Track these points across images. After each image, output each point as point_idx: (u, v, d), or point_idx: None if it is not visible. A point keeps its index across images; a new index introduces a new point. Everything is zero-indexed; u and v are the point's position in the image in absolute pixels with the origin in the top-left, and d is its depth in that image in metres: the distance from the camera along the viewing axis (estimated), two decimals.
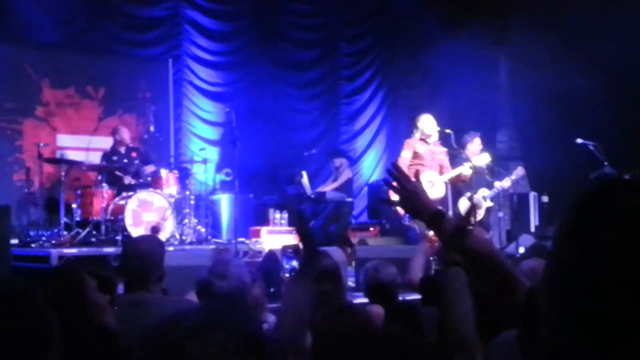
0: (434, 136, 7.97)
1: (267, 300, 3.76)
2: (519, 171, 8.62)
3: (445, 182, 7.98)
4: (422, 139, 7.96)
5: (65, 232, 8.06)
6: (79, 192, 8.44)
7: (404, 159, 7.94)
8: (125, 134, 8.99)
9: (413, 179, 2.18)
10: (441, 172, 8.00)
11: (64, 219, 8.11)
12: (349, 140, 12.41)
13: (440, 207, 6.90)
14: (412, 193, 2.15)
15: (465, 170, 7.86)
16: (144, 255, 3.24)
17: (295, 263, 3.27)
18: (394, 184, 2.18)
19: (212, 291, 2.71)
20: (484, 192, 8.46)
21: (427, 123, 7.93)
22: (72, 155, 9.29)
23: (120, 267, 3.23)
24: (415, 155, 7.90)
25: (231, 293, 2.71)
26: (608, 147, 9.00)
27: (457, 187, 8.59)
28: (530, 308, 2.28)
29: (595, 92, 10.48)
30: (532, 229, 9.96)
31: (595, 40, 10.21)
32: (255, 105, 11.12)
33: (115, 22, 10.40)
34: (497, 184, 8.55)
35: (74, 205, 8.33)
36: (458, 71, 11.42)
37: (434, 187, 7.76)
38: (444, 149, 8.05)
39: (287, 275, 3.24)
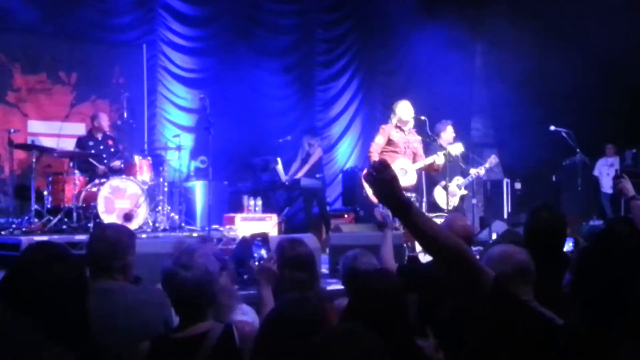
0: (410, 123, 7.95)
1: (237, 289, 3.73)
2: (493, 159, 8.67)
3: (418, 170, 8.01)
4: (397, 126, 7.95)
5: (36, 220, 7.94)
6: (50, 178, 8.32)
7: (377, 145, 7.94)
8: (104, 121, 8.86)
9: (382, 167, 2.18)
10: (414, 160, 8.01)
11: (34, 206, 8.00)
12: (324, 127, 12.39)
13: (413, 195, 6.92)
14: (384, 180, 2.16)
15: (438, 159, 7.88)
16: (110, 243, 3.20)
17: (263, 252, 3.24)
18: (368, 170, 2.19)
19: (176, 282, 2.68)
20: (458, 180, 8.50)
21: (404, 110, 7.91)
22: (43, 142, 9.16)
23: (86, 255, 3.18)
24: (390, 142, 7.90)
25: (196, 283, 2.69)
26: (581, 134, 9.09)
27: (432, 175, 8.62)
28: (495, 297, 2.31)
29: (570, 79, 10.57)
30: (505, 216, 10.06)
31: (571, 26, 10.29)
32: (230, 92, 11.04)
33: (88, 5, 10.22)
34: (472, 172, 8.60)
35: (45, 192, 8.22)
36: (434, 59, 11.45)
37: (407, 174, 7.78)
38: (419, 137, 8.04)
39: (256, 263, 3.21)
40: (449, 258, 2.23)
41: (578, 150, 9.19)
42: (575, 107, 10.48)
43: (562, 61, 10.31)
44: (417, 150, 8.02)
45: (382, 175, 2.16)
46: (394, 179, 2.16)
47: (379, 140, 7.94)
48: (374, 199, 7.81)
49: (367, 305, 2.63)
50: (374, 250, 4.52)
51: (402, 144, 7.91)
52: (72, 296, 2.21)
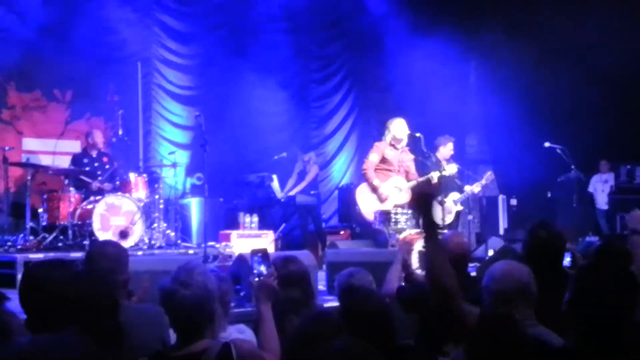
0: (404, 141, 7.95)
1: (233, 306, 3.71)
2: (489, 176, 8.68)
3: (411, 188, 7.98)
4: (391, 144, 7.95)
5: (31, 237, 7.91)
6: (45, 196, 8.30)
7: (371, 162, 7.93)
8: (99, 138, 8.85)
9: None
10: (407, 179, 8.00)
11: (30, 224, 7.97)
12: (320, 144, 12.40)
13: (409, 212, 6.93)
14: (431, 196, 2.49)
15: (433, 178, 7.87)
16: (112, 259, 3.19)
17: (263, 267, 3.22)
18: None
19: (175, 300, 2.66)
20: (454, 196, 8.52)
21: (398, 127, 7.90)
22: (38, 159, 9.14)
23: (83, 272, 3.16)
24: (383, 159, 7.89)
25: (195, 302, 2.67)
26: (576, 150, 9.13)
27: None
28: (481, 334, 2.34)
29: (564, 95, 10.63)
30: (501, 232, 10.06)
31: (566, 43, 10.35)
32: (224, 109, 11.05)
33: (83, 23, 10.23)
34: (467, 189, 8.62)
35: (40, 210, 8.19)
36: (428, 75, 11.49)
37: (400, 192, 7.76)
38: (412, 156, 8.03)
39: (256, 279, 3.19)
40: (438, 291, 2.49)
41: (573, 166, 9.23)
42: (570, 124, 10.52)
43: (556, 78, 10.38)
44: (410, 168, 8.01)
45: (429, 192, 2.36)
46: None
47: (373, 158, 7.94)
48: (368, 216, 7.83)
49: (354, 324, 2.65)
50: (370, 266, 4.52)
51: (396, 162, 7.91)
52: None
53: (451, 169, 8.01)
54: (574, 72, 10.41)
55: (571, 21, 10.24)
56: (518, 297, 2.83)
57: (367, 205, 7.84)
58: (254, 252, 3.26)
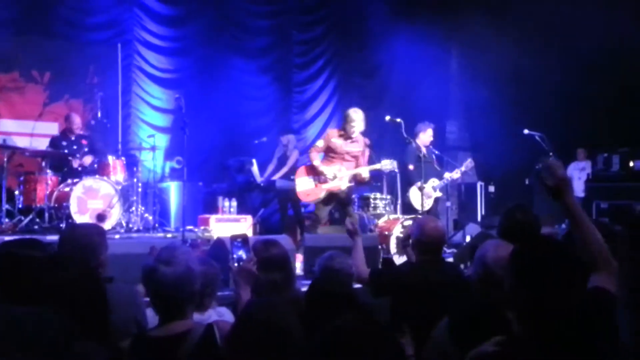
0: (356, 132, 7.66)
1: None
2: (469, 163, 8.74)
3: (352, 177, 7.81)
4: (340, 134, 7.72)
5: (6, 220, 7.85)
6: (22, 178, 8.21)
7: (316, 147, 7.81)
8: (77, 122, 8.77)
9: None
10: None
11: (5, 206, 7.90)
12: (301, 129, 12.38)
13: (387, 197, 6.93)
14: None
15: (364, 172, 7.74)
16: (82, 244, 3.17)
17: (242, 252, 3.22)
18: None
19: (156, 277, 2.66)
20: (433, 182, 8.56)
21: (350, 118, 7.66)
22: (15, 141, 9.05)
23: (57, 255, 3.14)
24: (329, 147, 7.73)
25: (176, 279, 2.66)
26: (554, 138, 9.18)
27: (408, 176, 8.68)
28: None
29: (544, 83, 10.68)
30: (479, 219, 10.13)
31: (546, 30, 10.39)
32: (205, 93, 10.99)
33: (63, 4, 10.11)
34: (447, 175, 8.67)
35: (16, 192, 8.11)
36: (410, 62, 11.51)
37: (335, 179, 7.65)
38: (360, 149, 7.77)
39: (235, 264, 3.19)
40: (585, 242, 2.57)
41: (551, 153, 9.28)
42: (549, 111, 10.59)
43: (537, 65, 10.43)
44: (359, 159, 7.82)
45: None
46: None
47: (319, 143, 7.84)
48: (305, 198, 7.79)
49: (326, 303, 2.68)
50: (348, 251, 4.55)
51: (340, 151, 7.70)
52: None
53: (389, 165, 7.86)
54: (555, 59, 10.47)
55: (553, 8, 10.28)
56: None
57: (301, 186, 7.85)
58: (234, 238, 3.27)
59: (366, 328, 2.02)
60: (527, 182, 10.72)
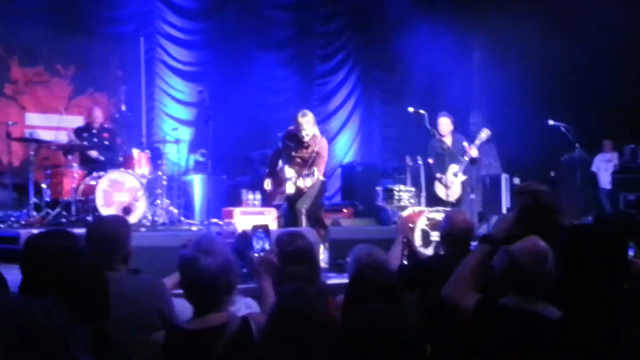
0: (306, 137, 7.26)
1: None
2: (483, 134, 8.47)
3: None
4: (294, 134, 7.38)
5: (34, 213, 7.92)
6: (48, 171, 8.28)
7: (280, 148, 7.57)
8: (99, 115, 8.83)
9: None
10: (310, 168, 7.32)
11: (33, 199, 7.97)
12: (323, 122, 12.33)
13: (411, 189, 6.89)
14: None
15: (300, 183, 7.24)
16: (110, 237, 3.19)
17: (264, 243, 3.22)
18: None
19: (196, 267, 2.64)
20: (453, 168, 8.47)
21: (301, 121, 7.29)
22: (41, 135, 9.13)
23: (85, 247, 3.17)
24: (286, 146, 7.44)
25: (217, 270, 2.65)
26: (580, 129, 9.08)
27: (430, 169, 8.65)
28: (478, 317, 2.37)
29: (569, 73, 10.56)
30: (504, 211, 10.05)
31: (571, 21, 10.25)
32: (228, 86, 11.01)
33: None
34: (466, 157, 8.52)
35: (43, 186, 8.18)
36: (432, 53, 11.43)
37: (286, 184, 7.34)
38: (310, 151, 7.26)
39: (256, 255, 3.19)
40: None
41: (577, 144, 9.19)
42: (575, 102, 10.47)
43: (562, 56, 10.31)
44: (313, 161, 7.25)
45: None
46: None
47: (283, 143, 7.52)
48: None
49: (367, 296, 2.65)
50: (373, 244, 4.52)
51: (291, 152, 7.39)
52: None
53: (307, 182, 7.25)
54: (581, 50, 10.34)
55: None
56: (532, 278, 2.77)
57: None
58: (255, 228, 3.27)
59: (393, 318, 2.02)
60: (552, 174, 10.61)
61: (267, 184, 7.75)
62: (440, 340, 3.52)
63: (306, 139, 7.26)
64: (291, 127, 7.52)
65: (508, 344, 2.46)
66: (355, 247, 3.90)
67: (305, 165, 7.30)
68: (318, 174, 7.11)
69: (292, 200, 7.44)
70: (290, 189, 7.34)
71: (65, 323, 1.82)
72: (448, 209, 7.22)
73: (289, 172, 7.31)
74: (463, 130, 10.64)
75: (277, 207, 7.85)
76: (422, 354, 2.06)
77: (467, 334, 2.75)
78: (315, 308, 2.26)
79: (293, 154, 7.35)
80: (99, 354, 2.11)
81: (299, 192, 7.35)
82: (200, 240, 2.72)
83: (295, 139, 7.36)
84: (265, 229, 3.25)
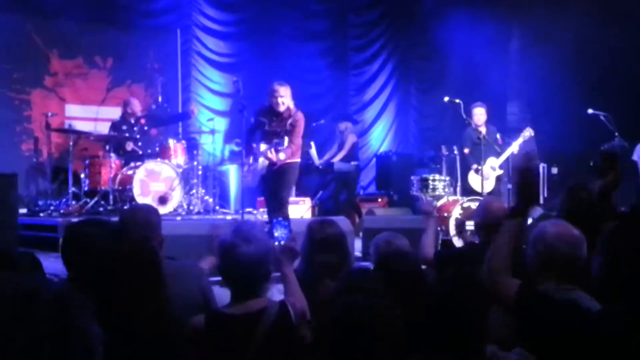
0: (282, 106, 6.61)
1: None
2: (527, 133, 8.48)
3: None
4: (267, 108, 6.80)
5: (73, 202, 8.10)
6: (87, 162, 8.45)
7: (253, 125, 6.89)
8: (137, 106, 8.98)
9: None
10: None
11: (72, 189, 8.14)
12: (358, 111, 12.34)
13: (446, 178, 6.84)
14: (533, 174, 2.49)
15: (272, 155, 6.51)
16: (142, 223, 3.24)
17: (283, 231, 3.24)
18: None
19: (237, 255, 2.65)
20: (491, 161, 8.42)
21: (277, 87, 6.71)
22: (80, 126, 9.30)
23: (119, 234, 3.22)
24: (259, 122, 6.75)
25: (257, 257, 2.67)
26: (620, 117, 8.90)
27: (465, 159, 8.60)
28: (521, 305, 2.33)
29: (608, 61, 10.34)
30: (542, 201, 9.91)
31: (610, 7, 10.04)
32: (263, 77, 10.98)
33: None
34: (506, 153, 8.49)
35: (82, 175, 8.36)
36: (469, 43, 11.29)
37: (260, 159, 6.66)
38: (285, 124, 6.64)
39: (277, 244, 3.20)
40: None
41: (617, 134, 9.01)
42: (615, 90, 10.25)
43: (600, 43, 10.10)
44: (288, 135, 6.60)
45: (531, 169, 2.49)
46: (538, 175, 2.32)
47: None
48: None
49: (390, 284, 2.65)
50: (407, 233, 4.50)
51: (265, 128, 6.70)
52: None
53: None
54: (622, 38, 10.11)
55: None
56: (568, 265, 2.73)
57: None
58: (274, 216, 3.29)
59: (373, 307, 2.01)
60: (591, 163, 10.42)
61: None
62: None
63: (281, 108, 6.59)
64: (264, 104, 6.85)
65: (550, 333, 2.43)
66: (375, 237, 3.87)
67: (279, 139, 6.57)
68: (288, 142, 6.45)
69: (268, 182, 6.64)
70: (262, 163, 6.60)
71: (63, 293, 1.85)
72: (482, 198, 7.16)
73: (263, 147, 6.61)
74: (501, 120, 10.54)
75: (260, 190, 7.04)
76: (400, 348, 2.02)
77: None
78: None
79: (267, 128, 6.66)
80: (104, 322, 2.13)
81: (272, 172, 6.57)
82: (240, 227, 2.75)
83: (268, 113, 6.71)
84: (285, 217, 3.28)
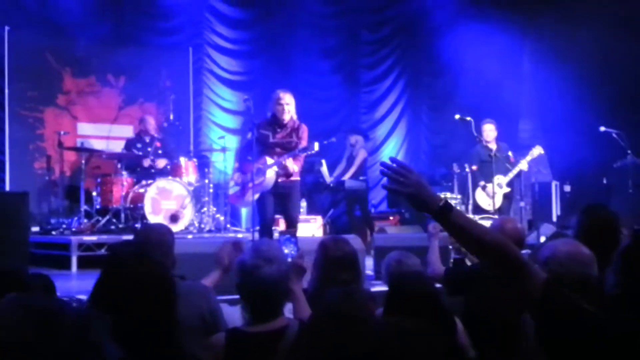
0: (287, 115, 6.60)
1: None
2: (535, 151, 8.47)
3: None
4: (270, 119, 6.74)
5: (85, 220, 8.12)
6: (99, 180, 8.49)
7: (251, 141, 6.70)
8: (151, 124, 9.03)
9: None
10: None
11: (84, 207, 8.18)
12: (370, 129, 12.33)
13: (457, 197, 6.87)
14: (416, 185, 2.06)
15: (289, 163, 6.44)
16: (157, 244, 3.24)
17: (291, 247, 3.24)
18: (394, 176, 2.08)
19: (259, 275, 2.64)
20: (498, 179, 8.38)
21: (282, 95, 6.70)
22: (92, 144, 9.34)
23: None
24: (262, 135, 6.65)
25: (279, 277, 2.66)
26: (632, 135, 8.85)
27: (474, 176, 8.58)
28: (546, 300, 2.25)
29: (620, 79, 10.31)
30: (554, 219, 9.85)
31: (623, 28, 10.02)
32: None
33: (135, 10, 10.40)
34: (514, 170, 8.47)
35: (94, 193, 8.39)
36: (480, 59, 11.28)
37: (268, 171, 6.51)
38: (291, 133, 6.58)
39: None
40: (495, 258, 2.15)
41: (629, 151, 8.96)
42: (627, 108, 10.21)
43: (613, 60, 10.07)
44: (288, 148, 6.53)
45: (406, 180, 2.06)
46: (418, 184, 2.10)
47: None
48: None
49: (403, 307, 2.62)
50: (418, 251, 4.48)
51: (269, 140, 6.63)
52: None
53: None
54: (632, 54, 10.08)
55: (635, 4, 9.91)
56: (579, 285, 2.69)
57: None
58: (282, 233, 3.29)
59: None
60: (604, 181, 10.36)
61: (237, 177, 6.83)
62: (487, 347, 3.46)
63: (286, 116, 6.43)
64: (266, 117, 6.76)
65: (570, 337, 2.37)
66: (386, 256, 3.86)
67: (286, 151, 6.45)
68: (304, 144, 6.33)
69: (276, 199, 6.49)
70: (270, 179, 6.40)
71: (83, 314, 1.85)
72: (495, 216, 7.12)
73: (270, 161, 6.42)
74: (513, 137, 10.50)
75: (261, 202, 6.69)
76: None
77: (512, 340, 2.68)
78: (364, 312, 2.23)
79: (271, 140, 6.49)
80: (120, 342, 2.13)
81: (280, 189, 6.44)
82: (259, 247, 2.74)
83: (271, 124, 6.54)
84: (292, 234, 3.28)
